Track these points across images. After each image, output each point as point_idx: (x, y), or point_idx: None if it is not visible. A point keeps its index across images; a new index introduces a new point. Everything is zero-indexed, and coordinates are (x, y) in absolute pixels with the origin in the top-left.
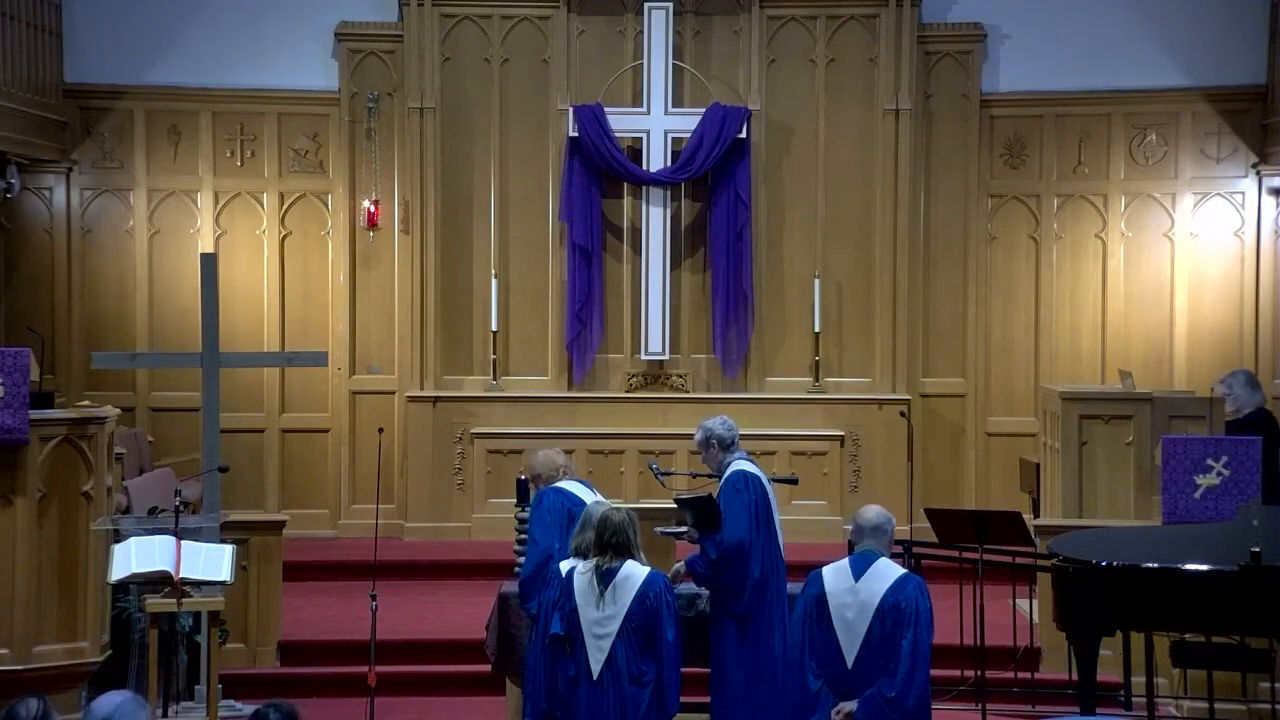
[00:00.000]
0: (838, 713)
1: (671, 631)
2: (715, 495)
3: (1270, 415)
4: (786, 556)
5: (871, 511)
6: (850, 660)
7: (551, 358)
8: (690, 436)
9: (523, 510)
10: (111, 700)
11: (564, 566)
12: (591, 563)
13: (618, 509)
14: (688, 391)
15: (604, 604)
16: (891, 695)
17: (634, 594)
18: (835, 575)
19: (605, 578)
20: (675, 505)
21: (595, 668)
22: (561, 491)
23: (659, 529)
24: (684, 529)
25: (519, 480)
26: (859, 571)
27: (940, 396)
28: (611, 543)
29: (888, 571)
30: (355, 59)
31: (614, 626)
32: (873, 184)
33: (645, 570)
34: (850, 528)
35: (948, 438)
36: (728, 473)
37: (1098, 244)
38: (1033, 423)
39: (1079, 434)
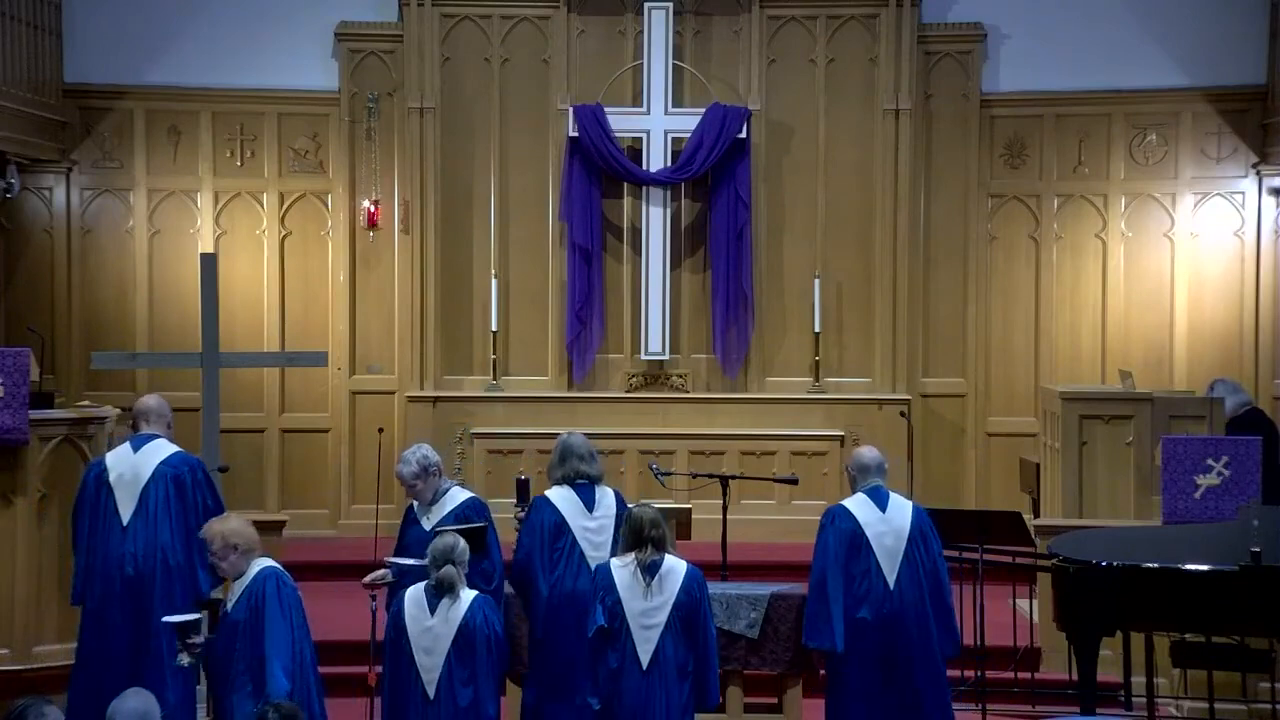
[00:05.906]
0: None
1: (712, 625)
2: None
3: (1264, 413)
4: (786, 556)
5: (870, 451)
6: (891, 580)
7: (551, 358)
8: (691, 436)
9: (522, 510)
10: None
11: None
12: (631, 556)
13: (647, 505)
14: (688, 391)
15: (651, 594)
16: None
17: (679, 585)
18: (862, 509)
19: (650, 569)
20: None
21: (644, 658)
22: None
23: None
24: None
25: (518, 480)
26: (881, 504)
27: (940, 396)
28: (651, 536)
29: (903, 501)
30: (355, 59)
31: (662, 617)
32: (873, 184)
33: (684, 564)
34: (852, 467)
35: (948, 438)
36: (463, 499)
37: (1098, 244)
38: (1033, 423)
39: (1079, 434)
